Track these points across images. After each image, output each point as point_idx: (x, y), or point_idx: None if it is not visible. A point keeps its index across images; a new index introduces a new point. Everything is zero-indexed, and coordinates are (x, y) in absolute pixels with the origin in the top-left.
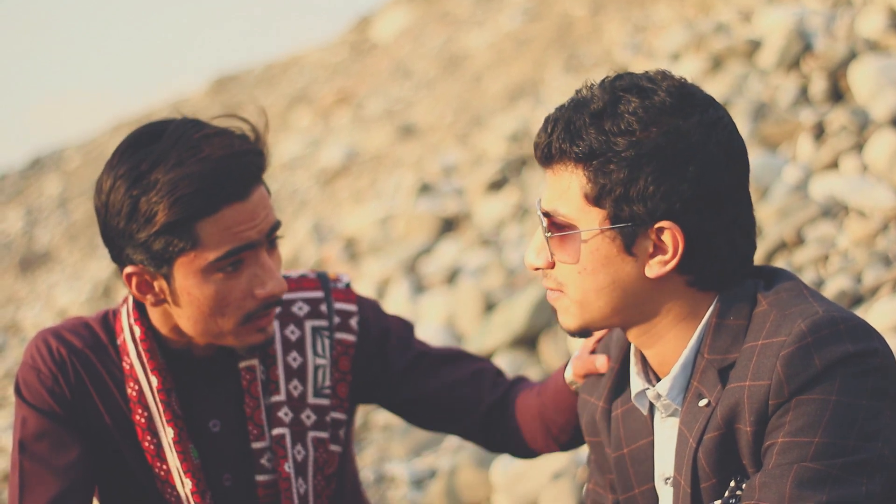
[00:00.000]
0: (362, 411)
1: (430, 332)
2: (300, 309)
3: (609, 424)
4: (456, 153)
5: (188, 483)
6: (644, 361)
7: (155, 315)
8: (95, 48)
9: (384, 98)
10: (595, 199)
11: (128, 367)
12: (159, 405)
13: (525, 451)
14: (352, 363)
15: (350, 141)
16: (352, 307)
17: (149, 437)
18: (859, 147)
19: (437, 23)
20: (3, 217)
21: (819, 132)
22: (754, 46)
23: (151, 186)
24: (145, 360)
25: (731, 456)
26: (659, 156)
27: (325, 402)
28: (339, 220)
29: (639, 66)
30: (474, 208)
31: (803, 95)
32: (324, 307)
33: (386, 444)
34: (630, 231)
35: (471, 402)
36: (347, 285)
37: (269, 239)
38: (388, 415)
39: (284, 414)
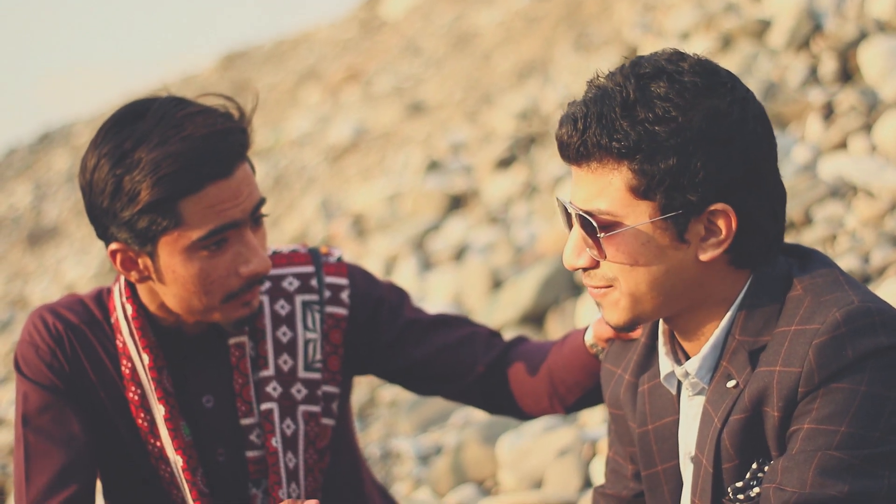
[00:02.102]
0: (368, 387)
1: (437, 309)
2: (290, 284)
3: (634, 399)
4: (464, 131)
5: (179, 460)
6: (673, 341)
7: (143, 292)
8: (104, 22)
9: (393, 75)
10: (643, 192)
11: (121, 344)
12: (151, 383)
13: (527, 411)
14: (343, 336)
15: (359, 118)
16: (343, 280)
17: (142, 415)
18: (868, 127)
19: (447, 0)
20: (11, 191)
21: (828, 112)
22: (764, 26)
23: (135, 165)
24: (137, 337)
25: (755, 438)
26: (704, 139)
27: (316, 375)
28: (348, 196)
29: (648, 45)
30: (482, 186)
31: (813, 75)
32: (314, 281)
33: (392, 419)
34: (683, 218)
35: (464, 364)
36: (339, 259)
37: (254, 217)
38: (394, 391)
39: (273, 389)
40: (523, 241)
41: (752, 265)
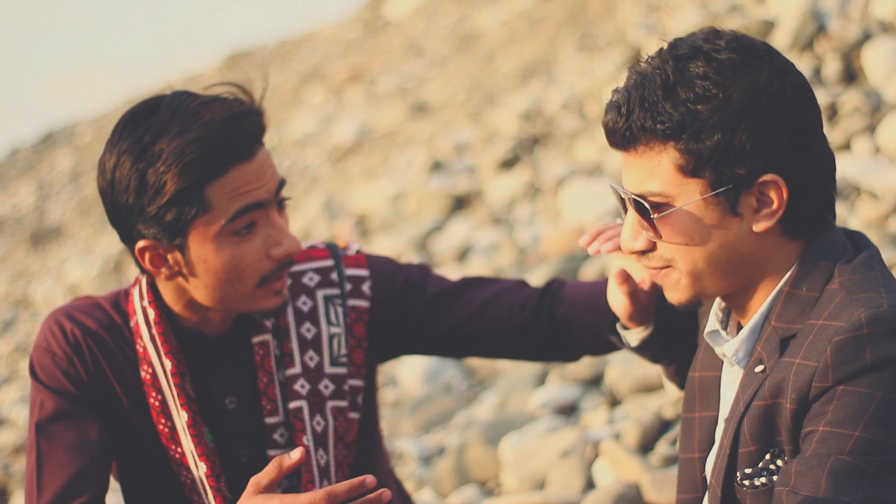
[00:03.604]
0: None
1: None
2: (311, 279)
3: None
4: (468, 131)
5: (202, 466)
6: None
7: (168, 292)
8: (107, 21)
9: (397, 75)
10: (692, 171)
11: (141, 349)
12: (173, 389)
13: (579, 351)
14: (367, 329)
15: (362, 118)
16: (363, 272)
17: (163, 420)
18: (872, 129)
19: (451, 1)
20: (14, 191)
21: (832, 113)
22: (768, 27)
23: (157, 157)
24: (159, 343)
25: (770, 428)
26: (747, 113)
27: (342, 370)
28: (351, 196)
29: (652, 45)
30: (486, 186)
31: (816, 76)
32: (334, 275)
33: (395, 420)
34: (733, 192)
35: (501, 318)
36: (358, 251)
37: (278, 200)
38: (396, 391)
39: (301, 386)
40: (526, 241)
41: (806, 234)
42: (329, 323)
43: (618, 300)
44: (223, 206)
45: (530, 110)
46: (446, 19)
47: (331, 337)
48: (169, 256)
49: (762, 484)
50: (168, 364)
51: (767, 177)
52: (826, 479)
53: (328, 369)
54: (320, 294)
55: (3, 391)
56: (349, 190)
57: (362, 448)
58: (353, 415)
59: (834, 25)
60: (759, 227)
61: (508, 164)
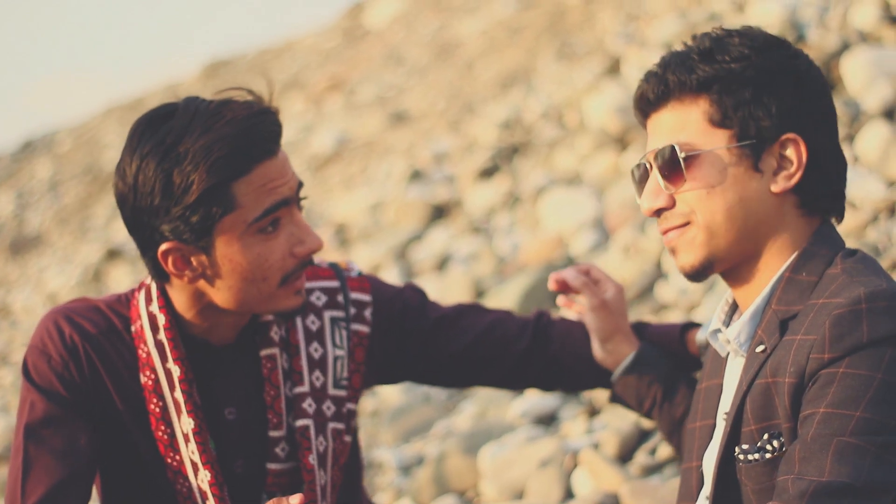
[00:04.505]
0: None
1: None
2: (318, 299)
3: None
4: (447, 140)
5: (206, 475)
6: (734, 308)
7: (182, 297)
8: (87, 30)
9: (376, 84)
10: (720, 121)
11: (144, 354)
12: (181, 395)
13: (577, 382)
14: (366, 354)
15: (342, 127)
16: (366, 297)
17: (162, 427)
18: (850, 138)
19: (430, 10)
20: None
21: None
22: None
23: (183, 157)
24: (168, 349)
25: (770, 407)
26: (778, 73)
27: (343, 393)
28: (330, 206)
29: (632, 54)
30: (465, 195)
31: None
32: (340, 297)
33: (374, 430)
34: (757, 147)
35: (501, 345)
36: (360, 273)
37: (298, 199)
38: (376, 401)
39: (308, 405)
40: (506, 251)
41: (817, 213)
42: (334, 345)
43: (589, 320)
44: (250, 203)
45: (509, 119)
46: (426, 28)
47: (335, 359)
48: (193, 259)
49: (755, 459)
50: (176, 370)
51: (790, 135)
52: (830, 461)
53: (331, 391)
54: (327, 315)
55: None
56: (329, 199)
57: (348, 471)
58: (348, 438)
59: (813, 35)
60: (776, 187)
61: (487, 173)
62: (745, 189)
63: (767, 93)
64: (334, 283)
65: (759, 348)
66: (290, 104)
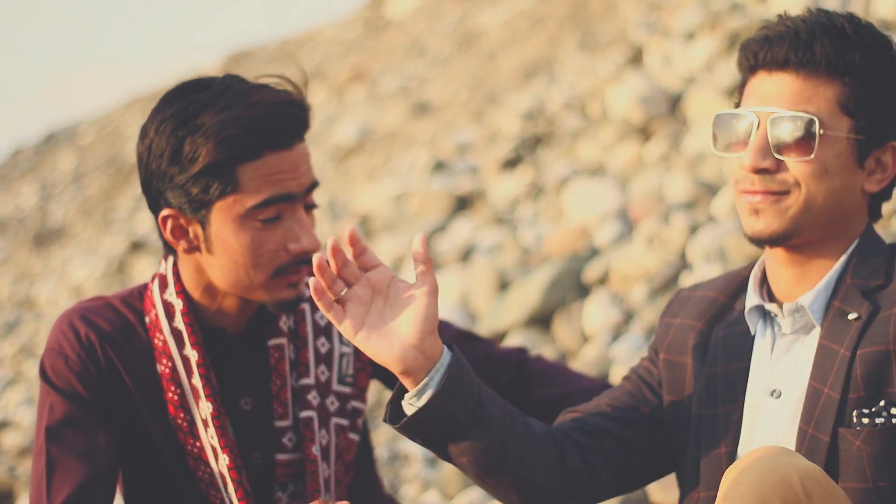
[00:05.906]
0: (376, 390)
1: (443, 311)
2: None
3: (705, 346)
4: (470, 131)
5: (225, 459)
6: (763, 285)
7: (189, 272)
8: (109, 21)
9: (398, 75)
10: (849, 109)
11: (160, 343)
12: (198, 380)
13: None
14: None
15: (364, 118)
16: None
17: (181, 414)
18: None
19: (452, 0)
20: (17, 192)
21: None
22: None
23: (198, 128)
24: (185, 334)
25: (884, 375)
26: None
27: (347, 389)
28: (353, 197)
29: (654, 44)
30: (488, 186)
31: None
32: None
33: None
34: (867, 145)
35: (494, 377)
36: None
37: (307, 199)
38: None
39: (313, 398)
40: (530, 242)
41: (875, 214)
42: (341, 342)
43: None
44: (253, 188)
45: (532, 110)
46: (447, 18)
47: (341, 356)
48: (190, 229)
49: (881, 423)
50: (194, 355)
51: (894, 142)
52: None
53: (335, 386)
54: None
55: (8, 393)
56: (352, 190)
57: (358, 472)
58: (353, 436)
59: None
60: (870, 187)
61: (511, 163)
62: (850, 180)
63: None
64: None
65: (851, 316)
66: (312, 95)
